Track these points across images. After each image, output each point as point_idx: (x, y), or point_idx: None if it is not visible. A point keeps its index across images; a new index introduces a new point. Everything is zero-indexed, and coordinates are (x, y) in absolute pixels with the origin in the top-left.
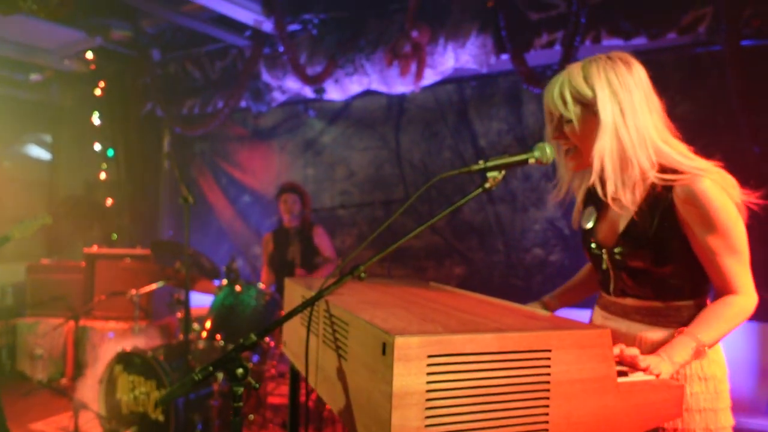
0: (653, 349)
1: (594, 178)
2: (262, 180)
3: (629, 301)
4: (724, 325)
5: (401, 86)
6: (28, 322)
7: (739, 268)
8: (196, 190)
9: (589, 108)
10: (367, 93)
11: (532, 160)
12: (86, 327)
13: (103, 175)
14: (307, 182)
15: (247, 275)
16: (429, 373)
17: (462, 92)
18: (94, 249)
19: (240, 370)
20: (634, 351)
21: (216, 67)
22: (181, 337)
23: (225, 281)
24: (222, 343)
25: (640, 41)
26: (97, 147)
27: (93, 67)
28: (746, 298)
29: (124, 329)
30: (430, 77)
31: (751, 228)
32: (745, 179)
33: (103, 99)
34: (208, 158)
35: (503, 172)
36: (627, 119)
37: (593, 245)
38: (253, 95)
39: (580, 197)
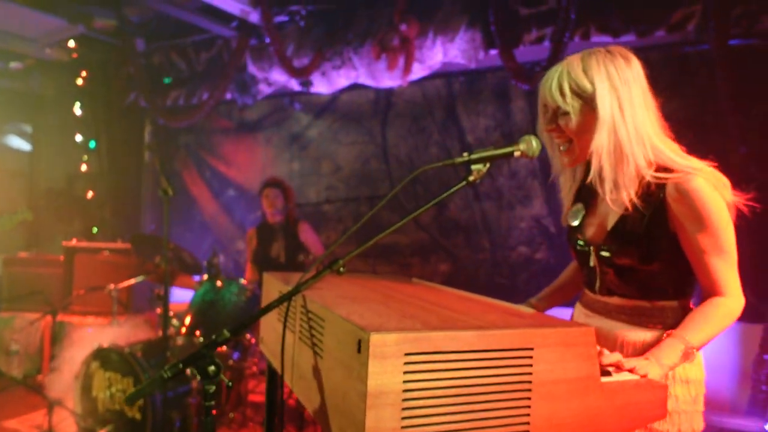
0: (635, 350)
1: (593, 175)
2: (247, 174)
3: (614, 300)
4: (713, 327)
5: (389, 80)
6: (3, 317)
7: (726, 269)
8: (180, 183)
9: (587, 102)
10: (355, 86)
11: (517, 153)
12: (64, 322)
13: (84, 167)
14: (292, 177)
15: (230, 270)
16: (406, 372)
17: (450, 87)
18: (73, 242)
19: (212, 368)
20: (615, 357)
21: (201, 58)
22: (160, 333)
23: (206, 276)
24: (201, 339)
25: (628, 38)
26: (79, 138)
27: (75, 55)
28: (733, 300)
29: (102, 324)
30: (418, 71)
31: (738, 229)
32: (731, 179)
33: (85, 89)
34: (192, 151)
35: (488, 165)
36: (625, 115)
37: (580, 242)
38: (238, 87)
39: (569, 193)
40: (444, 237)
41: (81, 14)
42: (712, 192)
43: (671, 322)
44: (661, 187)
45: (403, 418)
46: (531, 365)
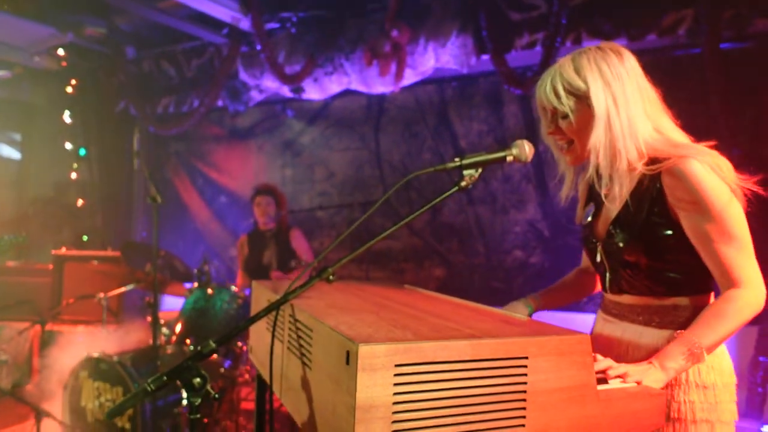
0: (647, 353)
1: (591, 171)
2: (239, 181)
3: (625, 299)
4: (726, 323)
5: (381, 86)
6: None
7: (738, 256)
8: (172, 190)
9: (582, 100)
10: (347, 93)
11: (510, 158)
12: (53, 331)
13: (74, 175)
14: (285, 183)
15: (224, 277)
16: (396, 384)
17: (442, 93)
18: (63, 251)
19: (197, 380)
20: (606, 363)
21: (192, 66)
22: (150, 341)
23: (196, 284)
24: (192, 347)
25: (620, 42)
26: (69, 146)
27: (64, 64)
28: (750, 290)
29: (92, 333)
30: (410, 77)
31: (749, 216)
32: None
33: (75, 97)
34: (183, 158)
35: (480, 170)
36: (620, 109)
37: (590, 240)
38: (230, 94)
39: (583, 193)
40: (438, 242)
41: (70, 22)
42: (709, 173)
43: (684, 321)
44: (657, 176)
45: None
46: (526, 374)
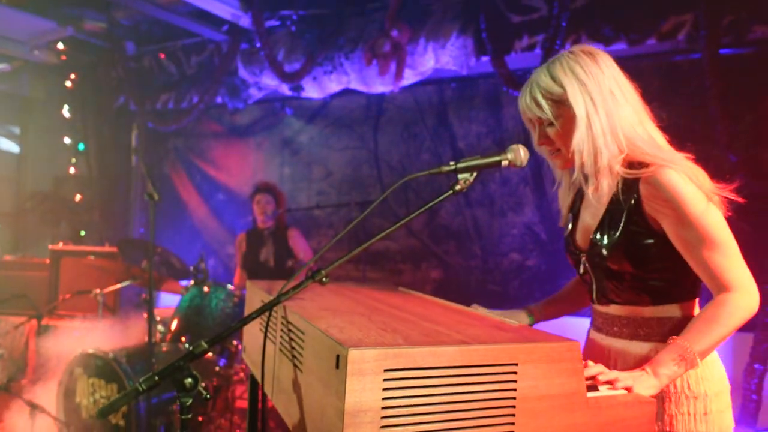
0: (636, 366)
1: (577, 173)
2: (238, 178)
3: (612, 309)
4: (718, 328)
5: (380, 86)
6: None
7: (725, 261)
8: (169, 187)
9: (562, 104)
10: (346, 92)
11: (505, 163)
12: (49, 326)
13: (72, 170)
14: (283, 181)
15: (219, 275)
16: (385, 389)
17: (442, 94)
18: (60, 246)
19: (188, 380)
20: (597, 369)
21: (192, 62)
22: (145, 338)
23: (193, 281)
24: (187, 345)
25: (619, 47)
26: (67, 140)
27: (64, 58)
28: (741, 293)
29: (88, 329)
30: (409, 77)
31: (729, 221)
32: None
33: (74, 91)
34: (182, 155)
35: (475, 174)
36: (598, 107)
37: (572, 249)
38: (229, 91)
39: (566, 201)
40: (435, 243)
41: (70, 16)
42: (686, 182)
43: (669, 331)
44: (635, 182)
45: None
46: (515, 381)
